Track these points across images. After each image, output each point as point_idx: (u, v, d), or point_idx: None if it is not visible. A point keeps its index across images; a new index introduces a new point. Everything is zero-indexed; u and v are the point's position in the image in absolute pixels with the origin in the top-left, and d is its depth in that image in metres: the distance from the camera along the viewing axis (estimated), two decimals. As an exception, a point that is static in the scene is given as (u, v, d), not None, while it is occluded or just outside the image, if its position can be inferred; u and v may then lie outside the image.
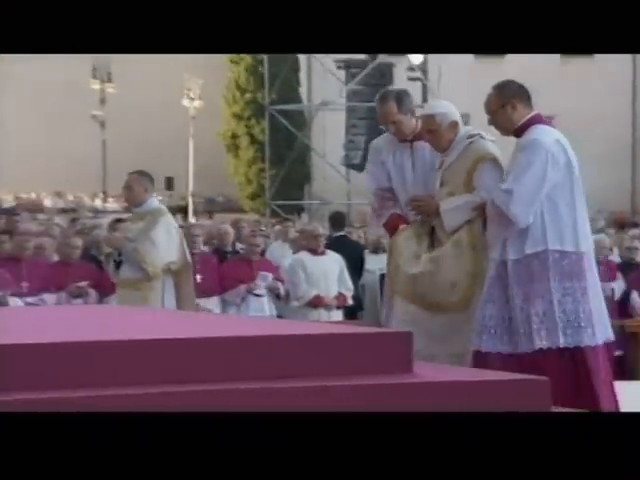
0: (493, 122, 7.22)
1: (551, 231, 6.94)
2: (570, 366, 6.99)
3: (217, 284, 12.37)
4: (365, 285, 13.89)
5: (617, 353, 12.20)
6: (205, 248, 13.04)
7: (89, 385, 5.32)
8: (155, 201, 10.17)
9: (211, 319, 9.35)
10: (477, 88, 40.05)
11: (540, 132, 7.05)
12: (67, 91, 40.48)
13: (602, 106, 38.77)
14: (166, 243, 9.61)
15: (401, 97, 7.77)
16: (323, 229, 13.63)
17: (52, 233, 15.87)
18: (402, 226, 7.56)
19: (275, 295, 12.56)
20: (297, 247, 13.86)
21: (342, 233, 14.73)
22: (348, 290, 12.75)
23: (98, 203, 38.55)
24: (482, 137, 7.47)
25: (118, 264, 10.11)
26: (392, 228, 7.66)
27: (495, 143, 7.50)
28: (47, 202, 37.89)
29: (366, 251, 14.56)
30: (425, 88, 32.97)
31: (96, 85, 39.02)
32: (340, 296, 12.72)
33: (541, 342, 6.94)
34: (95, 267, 12.10)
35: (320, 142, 34.74)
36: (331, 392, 5.61)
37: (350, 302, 12.95)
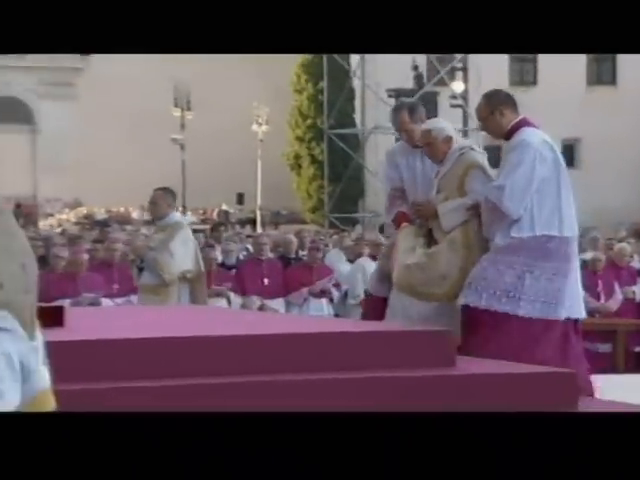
0: (484, 128, 7.30)
1: (539, 219, 6.87)
2: (549, 334, 6.93)
3: (282, 287, 12.38)
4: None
5: (638, 349, 12.11)
6: (271, 255, 13.05)
7: (170, 375, 5.36)
8: (177, 215, 10.25)
9: (278, 319, 9.38)
10: (520, 105, 39.51)
11: (528, 133, 7.00)
12: (152, 118, 40.71)
13: (623, 129, 38.48)
14: (182, 254, 9.69)
15: (413, 108, 7.80)
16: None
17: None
18: (404, 224, 7.55)
19: (329, 298, 12.57)
20: (353, 254, 13.85)
21: (392, 242, 14.70)
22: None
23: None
24: (472, 149, 7.49)
25: (140, 270, 10.25)
26: (398, 224, 7.65)
27: (483, 155, 7.49)
28: (134, 215, 38.08)
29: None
30: (465, 114, 32.89)
31: (177, 113, 39.20)
32: (393, 297, 12.68)
33: (507, 306, 6.89)
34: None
35: (372, 162, 34.75)
36: (382, 384, 5.61)
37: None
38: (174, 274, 9.61)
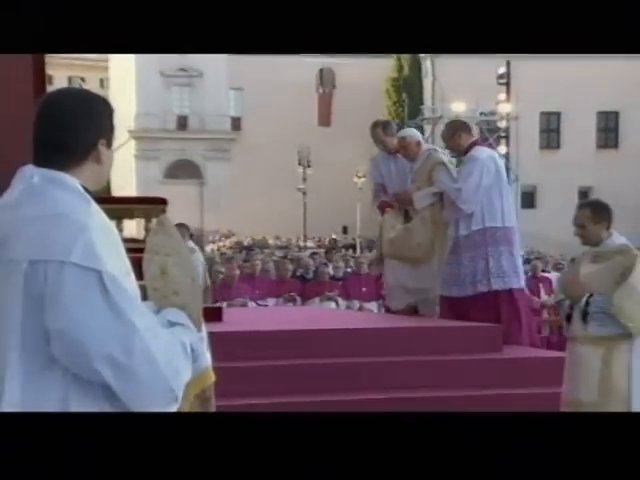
0: (447, 147, 7.23)
1: (487, 215, 6.75)
2: (502, 303, 6.69)
3: (375, 294, 12.31)
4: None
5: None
6: (368, 270, 12.99)
7: (300, 357, 5.33)
8: (190, 243, 10.03)
9: (375, 317, 9.31)
10: (544, 167, 38.20)
11: (477, 151, 6.92)
12: (283, 173, 41.02)
13: (623, 179, 37.76)
14: None
15: (385, 125, 7.76)
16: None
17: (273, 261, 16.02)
18: (387, 209, 7.49)
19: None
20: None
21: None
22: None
23: (301, 242, 38.83)
24: (436, 150, 7.45)
25: None
26: (381, 210, 7.63)
27: (444, 154, 7.43)
28: (270, 241, 38.29)
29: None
30: (508, 169, 32.41)
31: (300, 169, 39.40)
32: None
33: (482, 287, 6.70)
34: (299, 282, 12.15)
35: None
36: (445, 365, 5.50)
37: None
38: None
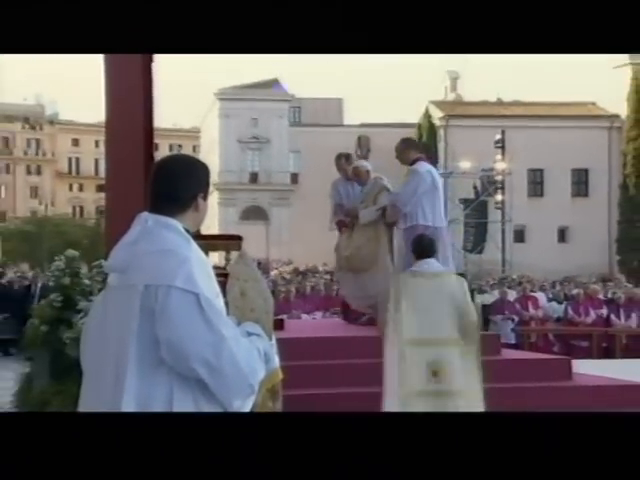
0: (398, 158, 6.91)
1: (421, 215, 6.53)
2: None
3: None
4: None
5: (604, 345, 11.52)
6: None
7: (342, 357, 5.27)
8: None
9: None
10: (531, 211, 37.36)
11: (418, 165, 6.68)
12: (329, 216, 41.07)
13: (592, 221, 37.39)
14: None
15: (347, 157, 7.64)
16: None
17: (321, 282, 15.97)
18: (343, 229, 7.30)
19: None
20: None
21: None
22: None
23: (343, 268, 38.76)
24: (381, 178, 7.28)
25: None
26: (338, 226, 7.43)
27: (388, 182, 7.25)
28: (320, 268, 38.25)
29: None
30: (503, 213, 32.09)
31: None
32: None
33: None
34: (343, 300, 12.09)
35: (457, 239, 34.01)
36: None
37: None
38: None
